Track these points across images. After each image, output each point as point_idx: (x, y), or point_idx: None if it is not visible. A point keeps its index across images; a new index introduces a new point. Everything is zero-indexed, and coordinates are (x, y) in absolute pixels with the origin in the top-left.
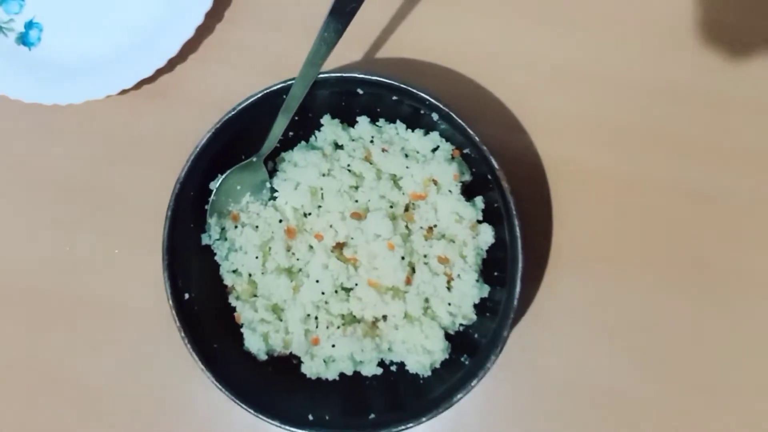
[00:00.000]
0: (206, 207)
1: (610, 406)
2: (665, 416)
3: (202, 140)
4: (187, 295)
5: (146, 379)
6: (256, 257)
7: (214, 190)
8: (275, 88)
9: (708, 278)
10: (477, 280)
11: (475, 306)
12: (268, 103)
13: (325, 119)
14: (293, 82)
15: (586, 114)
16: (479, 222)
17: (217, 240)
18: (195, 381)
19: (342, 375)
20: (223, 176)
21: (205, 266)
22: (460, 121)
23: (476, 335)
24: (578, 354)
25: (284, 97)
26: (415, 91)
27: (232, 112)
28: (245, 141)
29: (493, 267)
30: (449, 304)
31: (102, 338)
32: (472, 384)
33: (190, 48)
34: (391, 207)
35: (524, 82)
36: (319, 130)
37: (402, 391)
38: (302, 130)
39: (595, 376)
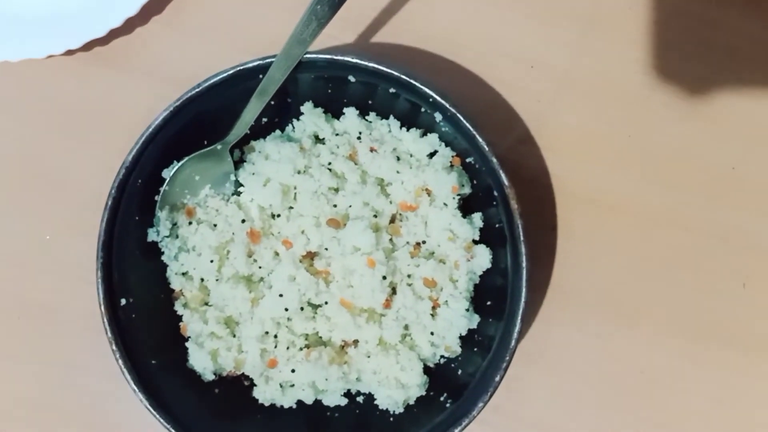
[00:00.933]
0: (156, 198)
1: None
2: None
3: (156, 119)
4: (124, 301)
5: (73, 393)
6: (211, 261)
7: (168, 179)
8: (251, 65)
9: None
10: (467, 309)
11: (461, 338)
12: (242, 82)
13: (307, 107)
14: (273, 60)
15: (612, 134)
16: (475, 242)
17: (167, 237)
18: (130, 399)
19: (300, 403)
20: (180, 163)
21: (150, 267)
22: (467, 125)
23: (459, 371)
24: (570, 404)
25: (261, 77)
26: (418, 85)
27: (197, 89)
28: (210, 125)
29: (486, 295)
30: (432, 333)
31: (24, 340)
32: None
33: (154, 8)
34: (375, 217)
35: (541, 89)
36: (298, 120)
37: (368, 430)
38: (278, 117)
39: (585, 428)
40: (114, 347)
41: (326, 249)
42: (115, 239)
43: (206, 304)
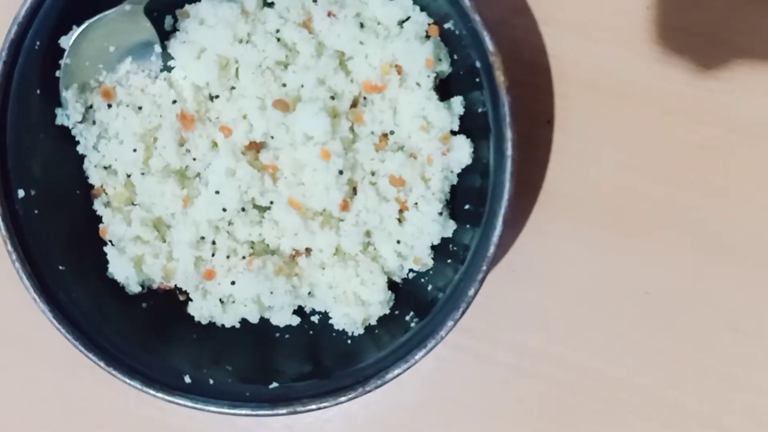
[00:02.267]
0: (57, 73)
1: (592, 389)
2: (654, 399)
3: None
4: (22, 192)
5: None
6: (135, 150)
7: (68, 49)
8: None
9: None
10: (440, 213)
11: (434, 248)
12: None
13: None
14: None
15: (622, 4)
16: (453, 134)
17: (80, 123)
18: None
19: (244, 322)
20: (80, 29)
21: (63, 154)
22: None
23: (429, 287)
24: (559, 328)
25: None
26: None
27: None
28: None
29: (464, 198)
30: (398, 242)
31: None
32: (417, 357)
33: None
34: (333, 99)
35: None
36: None
37: (322, 353)
38: None
39: (576, 353)
40: (9, 247)
41: (272, 138)
42: (10, 115)
43: (133, 203)
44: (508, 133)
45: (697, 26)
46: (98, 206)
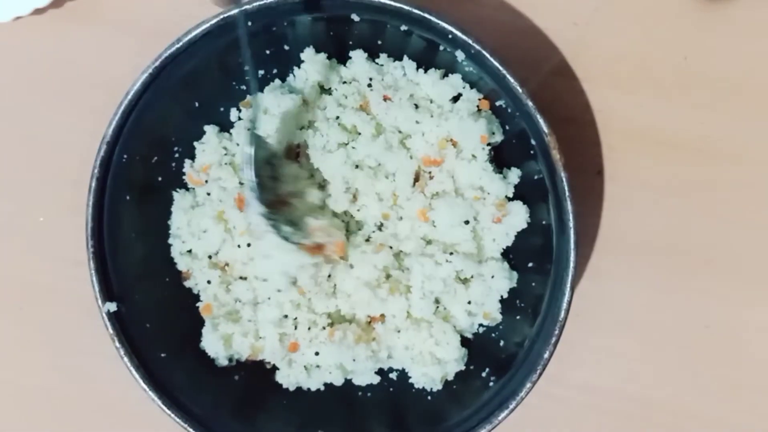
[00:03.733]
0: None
1: (661, 420)
2: (722, 425)
3: (134, 85)
4: (121, 291)
5: (78, 379)
6: (205, 231)
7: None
8: (236, 11)
9: None
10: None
11: (502, 304)
12: (228, 33)
13: (307, 54)
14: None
15: (663, 57)
16: (509, 199)
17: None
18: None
19: (329, 385)
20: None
21: (149, 248)
22: (495, 62)
23: (501, 342)
24: (625, 365)
25: (250, 24)
26: (433, 19)
27: (177, 45)
28: (197, 82)
29: (525, 256)
30: (469, 302)
31: (26, 328)
32: (500, 418)
33: None
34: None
35: (577, 10)
36: (299, 68)
37: (405, 411)
38: (277, 68)
39: (644, 388)
40: (117, 344)
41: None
42: (106, 223)
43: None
44: (569, 207)
45: (732, 74)
46: (193, 286)
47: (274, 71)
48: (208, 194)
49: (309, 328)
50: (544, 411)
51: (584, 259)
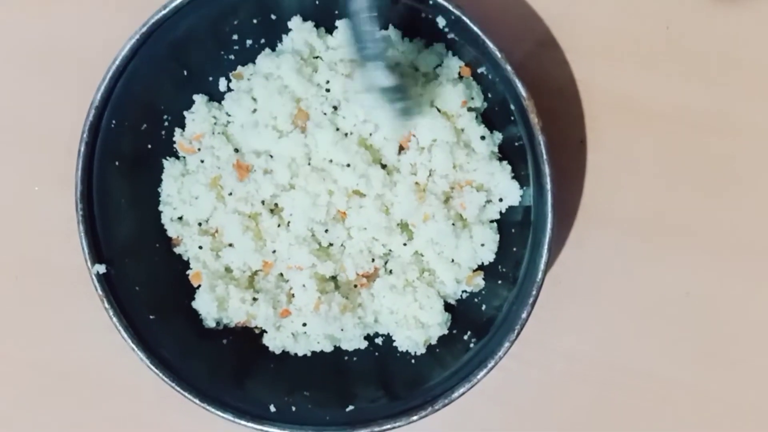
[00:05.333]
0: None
1: (642, 389)
2: (702, 396)
3: (122, 50)
4: (110, 254)
5: (70, 353)
6: (196, 198)
7: None
8: None
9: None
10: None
11: (485, 270)
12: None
13: (295, 22)
14: None
15: (646, 28)
16: (499, 160)
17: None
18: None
19: (315, 351)
20: None
21: (139, 215)
22: (475, 28)
23: (483, 306)
24: (605, 334)
25: None
26: None
27: (163, 11)
28: (187, 50)
29: (509, 224)
30: (452, 260)
31: (22, 299)
32: (479, 376)
33: None
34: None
35: None
36: (287, 36)
37: (390, 374)
38: (264, 37)
39: (623, 357)
40: (106, 304)
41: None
42: (95, 188)
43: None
44: (546, 169)
45: (714, 43)
46: (183, 252)
47: (262, 41)
48: (202, 161)
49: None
50: (525, 378)
51: (566, 228)
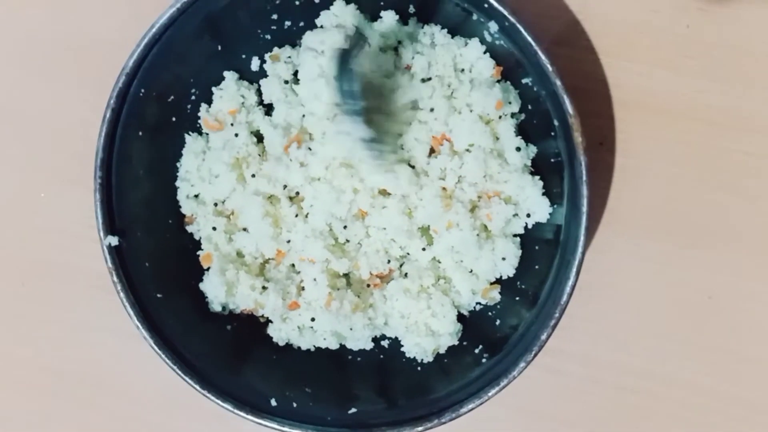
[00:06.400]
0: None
1: (665, 392)
2: (724, 397)
3: (161, 18)
4: (123, 227)
5: (81, 352)
6: (216, 176)
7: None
8: None
9: None
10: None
11: (502, 284)
12: None
13: (338, 5)
14: None
15: (667, 25)
16: (532, 174)
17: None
18: (141, 355)
19: (319, 346)
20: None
21: (156, 189)
22: (529, 38)
23: (497, 322)
24: (627, 337)
25: None
26: None
27: None
28: (222, 25)
29: (534, 241)
30: (471, 271)
31: (30, 302)
32: (490, 394)
33: None
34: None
35: None
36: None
37: (394, 379)
38: (303, 20)
39: (646, 361)
40: (115, 278)
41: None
42: (116, 156)
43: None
44: (584, 191)
45: (734, 42)
46: (195, 231)
47: (301, 24)
48: (236, 135)
49: (314, 280)
50: (543, 383)
51: (590, 232)
